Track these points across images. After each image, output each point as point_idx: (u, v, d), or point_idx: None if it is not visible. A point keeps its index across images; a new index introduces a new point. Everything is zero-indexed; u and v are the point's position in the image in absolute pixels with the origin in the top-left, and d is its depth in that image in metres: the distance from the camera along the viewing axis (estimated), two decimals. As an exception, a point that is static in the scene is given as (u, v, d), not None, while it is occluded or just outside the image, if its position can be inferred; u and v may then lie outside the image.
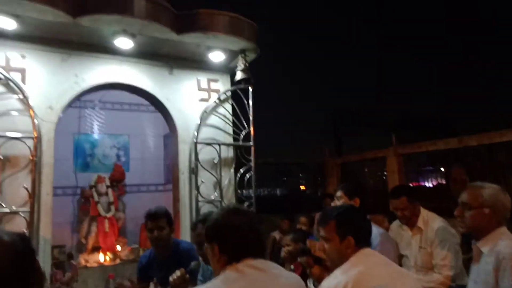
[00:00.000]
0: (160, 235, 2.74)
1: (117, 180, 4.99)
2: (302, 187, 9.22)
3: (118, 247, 4.65)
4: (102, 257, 4.49)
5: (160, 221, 2.77)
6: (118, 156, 5.22)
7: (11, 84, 3.43)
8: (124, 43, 3.64)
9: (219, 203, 4.11)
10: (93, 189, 4.80)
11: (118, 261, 4.49)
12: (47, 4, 3.04)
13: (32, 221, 3.36)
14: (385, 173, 6.46)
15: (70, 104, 3.84)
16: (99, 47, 3.80)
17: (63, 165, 4.68)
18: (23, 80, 3.51)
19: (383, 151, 6.33)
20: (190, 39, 3.82)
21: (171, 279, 2.31)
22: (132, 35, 3.58)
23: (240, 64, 4.09)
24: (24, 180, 3.40)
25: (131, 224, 5.07)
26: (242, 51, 4.08)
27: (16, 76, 3.47)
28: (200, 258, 2.56)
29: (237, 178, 4.29)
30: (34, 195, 3.39)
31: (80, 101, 4.71)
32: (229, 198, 4.22)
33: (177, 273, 2.33)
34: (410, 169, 6.27)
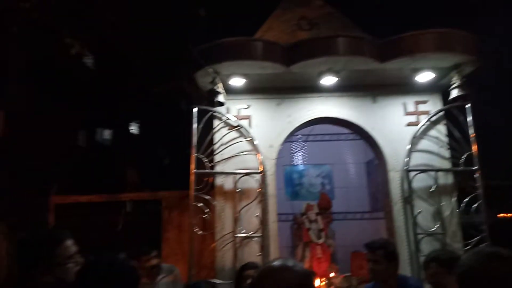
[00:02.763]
0: (374, 268, 2.65)
1: (325, 208, 5.24)
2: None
3: (331, 274, 4.80)
4: (317, 282, 4.73)
5: (375, 254, 2.69)
6: (323, 185, 5.51)
7: (242, 130, 4.14)
8: (328, 80, 3.88)
9: (441, 235, 3.72)
10: (304, 216, 5.18)
11: (333, 287, 4.63)
12: (270, 60, 3.58)
13: (264, 245, 3.88)
14: None
15: (285, 141, 4.32)
16: (307, 88, 4.17)
17: (278, 194, 5.25)
18: (250, 125, 4.19)
19: None
20: (394, 65, 3.74)
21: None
22: (336, 72, 3.78)
23: (455, 80, 3.71)
24: (255, 210, 3.99)
25: (340, 252, 5.18)
26: (456, 66, 3.70)
27: (244, 123, 4.17)
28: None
29: (461, 207, 3.80)
30: (263, 222, 3.93)
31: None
32: (453, 230, 3.77)
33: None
34: None
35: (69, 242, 1.73)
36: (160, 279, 3.39)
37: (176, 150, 6.62)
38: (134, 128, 7.94)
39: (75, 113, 6.24)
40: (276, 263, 1.22)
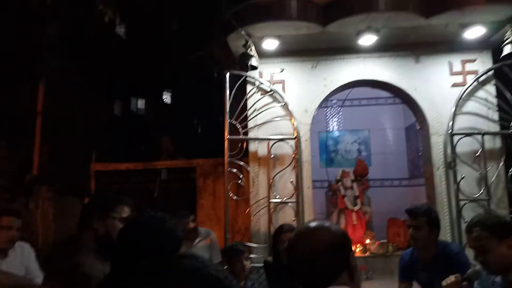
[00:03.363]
0: (415, 235, 2.57)
1: (361, 175, 5.12)
2: None
3: (367, 241, 4.75)
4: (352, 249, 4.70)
5: (417, 220, 2.60)
6: (359, 151, 5.36)
7: (275, 95, 4.05)
8: (367, 40, 3.65)
9: (486, 202, 3.54)
10: (339, 183, 5.10)
11: (368, 254, 4.60)
12: (305, 20, 3.40)
13: (298, 211, 3.87)
14: None
15: (320, 106, 4.19)
16: (343, 49, 3.96)
17: (312, 161, 5.18)
18: (283, 90, 4.07)
19: None
20: (441, 20, 3.45)
21: (444, 283, 2.12)
22: (376, 30, 3.55)
23: (508, 35, 3.38)
24: (289, 176, 3.95)
25: (376, 219, 5.10)
26: (511, 19, 3.36)
27: (278, 87, 4.06)
28: (478, 266, 2.25)
29: (509, 172, 3.58)
30: (298, 188, 3.90)
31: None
32: (499, 196, 3.57)
33: (451, 278, 2.12)
34: None
35: (127, 209, 1.92)
36: (197, 242, 3.48)
37: (210, 117, 6.64)
38: (167, 96, 8.02)
39: (110, 83, 6.35)
40: (312, 223, 1.20)
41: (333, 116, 5.45)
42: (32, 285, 2.38)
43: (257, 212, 3.91)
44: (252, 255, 3.32)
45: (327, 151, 5.43)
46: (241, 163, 3.93)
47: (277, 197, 3.89)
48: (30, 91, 5.12)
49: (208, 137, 6.09)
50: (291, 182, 3.90)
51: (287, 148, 3.96)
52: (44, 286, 1.87)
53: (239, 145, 3.95)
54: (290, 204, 3.88)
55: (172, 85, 7.67)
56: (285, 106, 3.99)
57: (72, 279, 1.80)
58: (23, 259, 2.92)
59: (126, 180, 5.60)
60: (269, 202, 3.88)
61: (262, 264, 3.10)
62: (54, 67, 5.47)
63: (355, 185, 5.05)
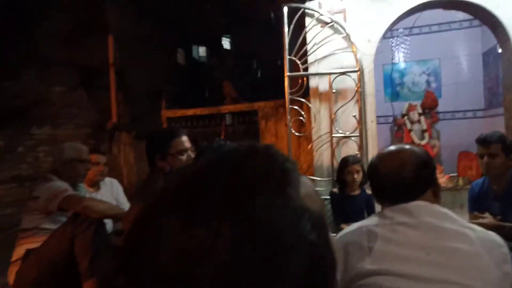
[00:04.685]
0: (490, 163, 2.44)
1: (429, 107, 4.86)
2: None
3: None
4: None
5: (491, 147, 2.45)
6: (428, 83, 5.04)
7: (336, 26, 3.87)
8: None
9: None
10: (405, 118, 4.90)
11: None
12: None
13: (362, 145, 3.85)
14: None
15: (385, 35, 3.94)
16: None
17: (376, 96, 5.00)
18: (344, 20, 3.88)
19: None
20: None
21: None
22: None
23: None
24: (352, 110, 3.89)
25: (446, 153, 4.88)
26: None
27: (338, 18, 3.87)
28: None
29: None
30: (361, 122, 3.84)
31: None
32: None
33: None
34: None
35: (184, 138, 2.00)
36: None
37: (270, 58, 6.60)
38: (227, 42, 8.05)
39: (172, 33, 6.53)
40: (393, 146, 1.22)
41: (399, 47, 5.08)
42: (125, 213, 2.71)
43: (320, 148, 3.96)
44: (317, 188, 3.43)
45: (392, 85, 5.16)
46: (302, 100, 3.93)
47: (339, 132, 3.88)
48: (100, 43, 5.48)
49: (268, 80, 6.11)
50: (354, 116, 3.84)
51: (349, 82, 3.86)
52: (132, 209, 2.15)
53: (299, 81, 3.93)
54: (353, 138, 3.86)
55: (231, 30, 7.65)
56: (347, 37, 3.82)
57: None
58: (113, 192, 3.36)
59: (194, 125, 5.93)
60: (332, 137, 3.89)
61: (327, 196, 3.22)
62: (121, 19, 5.75)
63: (422, 118, 4.82)
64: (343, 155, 3.81)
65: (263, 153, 0.41)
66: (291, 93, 3.87)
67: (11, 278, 2.38)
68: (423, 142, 4.76)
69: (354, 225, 1.14)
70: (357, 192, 3.01)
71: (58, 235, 2.35)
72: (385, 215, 1.07)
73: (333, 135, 3.88)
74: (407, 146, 1.18)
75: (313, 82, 3.99)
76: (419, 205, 1.04)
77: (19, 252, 2.41)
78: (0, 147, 4.52)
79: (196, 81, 7.14)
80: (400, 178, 1.09)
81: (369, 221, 1.11)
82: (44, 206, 2.44)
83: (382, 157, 1.18)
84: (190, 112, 6.11)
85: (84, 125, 5.63)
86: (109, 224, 2.82)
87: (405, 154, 1.13)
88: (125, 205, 3.09)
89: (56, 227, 2.42)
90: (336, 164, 3.65)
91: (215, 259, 0.33)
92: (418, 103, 4.82)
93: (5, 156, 4.51)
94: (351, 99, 3.85)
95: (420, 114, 4.81)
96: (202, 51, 8.00)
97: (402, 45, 5.08)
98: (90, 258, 2.30)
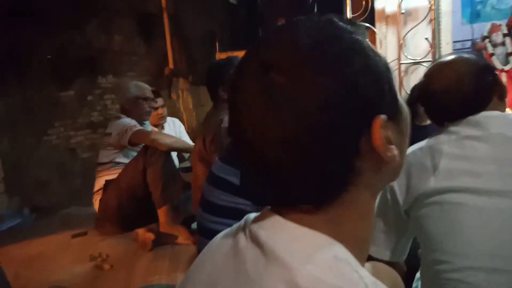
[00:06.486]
0: None
1: (517, 27, 4.20)
2: None
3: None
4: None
5: None
6: (517, -3, 4.31)
7: None
8: None
9: None
10: (487, 40, 4.31)
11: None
12: None
13: (435, 72, 3.47)
14: None
15: None
16: None
17: (452, 18, 4.42)
18: None
19: None
20: None
21: None
22: None
23: None
24: (424, 33, 3.48)
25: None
26: None
27: None
28: None
29: None
30: (434, 45, 3.44)
31: None
32: None
33: None
34: None
35: None
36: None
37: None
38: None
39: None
40: (439, 61, 1.11)
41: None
42: (191, 146, 2.76)
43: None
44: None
45: (472, 3, 4.51)
46: (367, 24, 3.58)
47: (409, 57, 3.53)
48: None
49: (324, 11, 5.68)
50: (426, 39, 3.44)
51: (420, 1, 3.41)
52: (198, 143, 2.16)
53: (363, 3, 3.56)
54: (424, 64, 3.49)
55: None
56: None
57: (218, 132, 2.02)
58: (176, 131, 3.46)
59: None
60: (400, 64, 3.55)
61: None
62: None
63: (507, 40, 4.21)
64: (413, 83, 3.49)
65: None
66: (353, 17, 3.53)
67: (96, 206, 2.61)
68: (507, 68, 4.19)
69: (416, 146, 1.06)
70: (428, 122, 2.77)
71: (131, 167, 2.53)
72: (450, 130, 1.00)
73: (402, 61, 3.54)
74: (456, 56, 1.07)
75: (378, 3, 3.60)
76: (487, 116, 0.95)
77: (100, 183, 2.62)
78: (73, 96, 4.80)
79: (249, 20, 6.88)
80: (461, 92, 1.00)
81: (432, 140, 1.03)
82: (117, 140, 2.60)
83: (434, 74, 1.07)
84: (241, 53, 5.97)
85: (144, 73, 5.75)
86: (175, 162, 2.94)
87: (459, 65, 1.03)
88: (189, 143, 3.17)
89: (129, 161, 2.59)
90: (404, 94, 3.39)
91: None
92: (503, 22, 4.18)
93: (78, 105, 4.80)
94: (423, 19, 3.43)
95: (505, 35, 4.19)
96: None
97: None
98: (162, 187, 2.45)
